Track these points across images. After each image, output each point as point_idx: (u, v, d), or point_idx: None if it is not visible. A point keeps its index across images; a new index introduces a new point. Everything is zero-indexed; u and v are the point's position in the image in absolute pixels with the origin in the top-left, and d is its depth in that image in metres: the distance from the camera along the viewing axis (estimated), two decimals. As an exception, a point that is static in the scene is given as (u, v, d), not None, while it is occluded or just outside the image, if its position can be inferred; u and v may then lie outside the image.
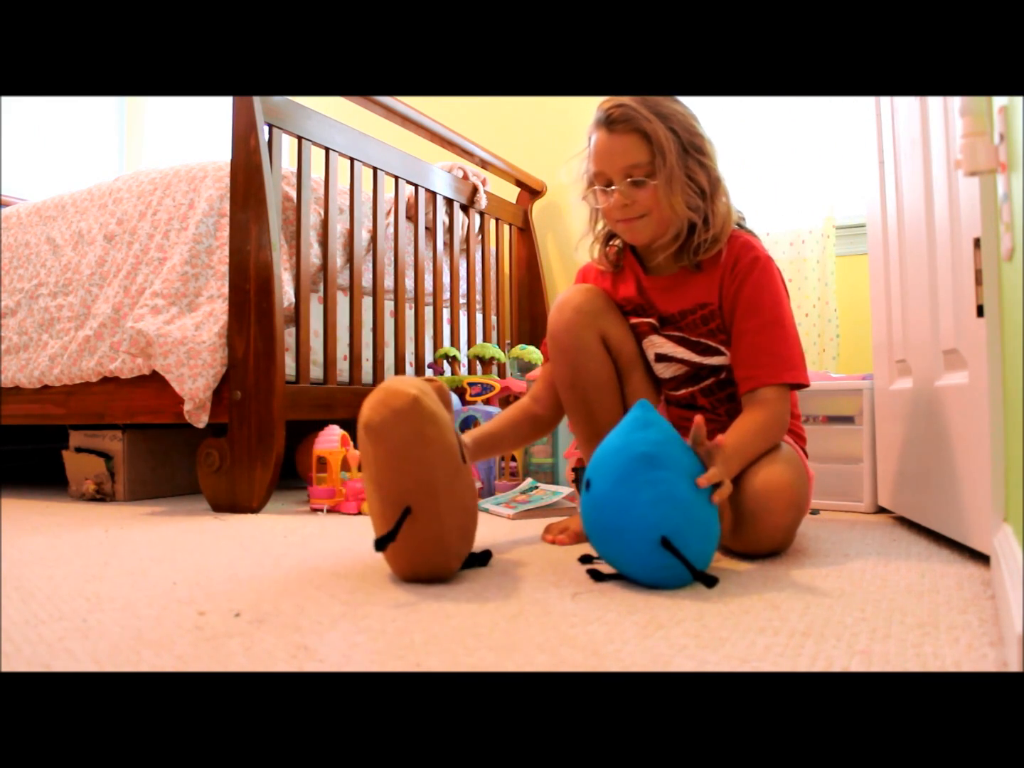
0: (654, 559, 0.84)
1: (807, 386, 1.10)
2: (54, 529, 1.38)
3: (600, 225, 1.21)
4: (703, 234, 1.10)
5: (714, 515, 0.90)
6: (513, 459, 1.79)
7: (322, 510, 1.58)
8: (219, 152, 3.00)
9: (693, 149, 1.07)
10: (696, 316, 1.14)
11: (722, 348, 1.14)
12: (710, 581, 0.83)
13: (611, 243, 1.22)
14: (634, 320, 1.20)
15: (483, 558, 1.00)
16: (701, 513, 0.87)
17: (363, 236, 1.94)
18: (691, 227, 1.11)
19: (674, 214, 1.08)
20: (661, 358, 1.19)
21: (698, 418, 0.92)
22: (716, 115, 2.34)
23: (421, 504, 0.86)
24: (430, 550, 0.88)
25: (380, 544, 0.86)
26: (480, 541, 1.05)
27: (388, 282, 2.03)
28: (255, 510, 1.57)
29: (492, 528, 1.32)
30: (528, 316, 2.68)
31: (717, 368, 1.16)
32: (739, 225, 1.18)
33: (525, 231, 2.69)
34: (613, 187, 1.09)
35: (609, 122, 1.07)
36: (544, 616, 0.75)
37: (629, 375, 1.20)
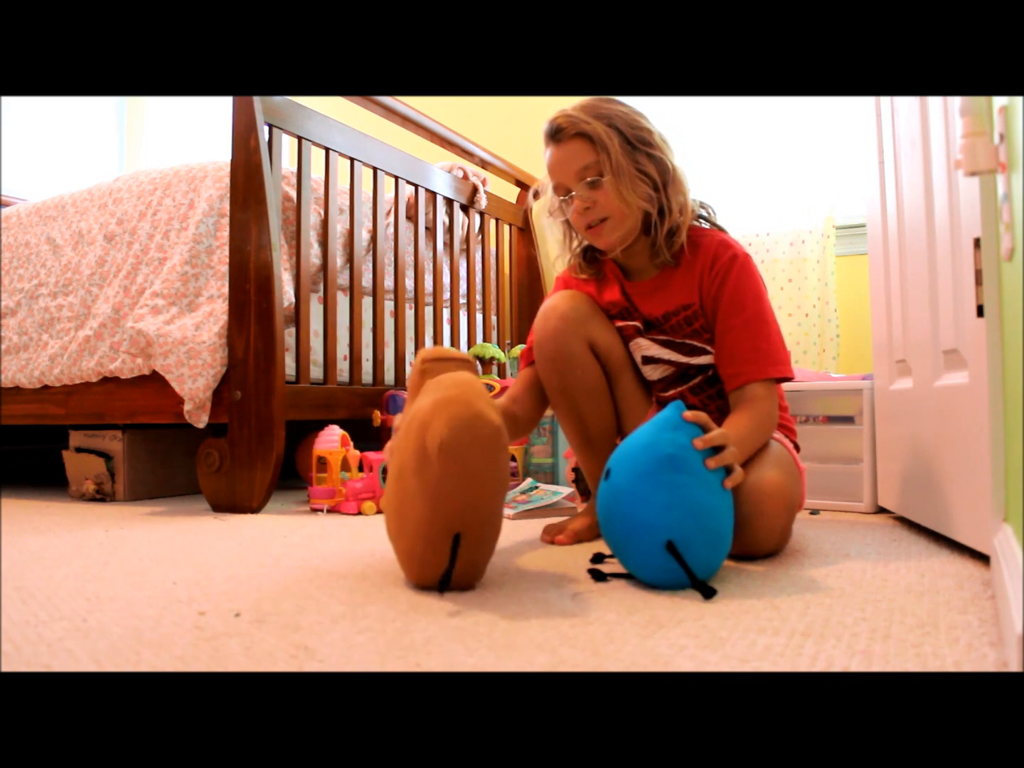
0: (658, 561, 0.84)
1: (792, 379, 1.12)
2: (54, 529, 1.38)
3: (575, 244, 1.23)
4: (662, 226, 1.12)
5: (728, 527, 0.89)
6: (513, 459, 1.79)
7: (322, 510, 1.58)
8: (219, 152, 3.00)
9: (639, 142, 1.10)
10: (680, 318, 1.15)
11: (708, 347, 1.15)
12: (708, 592, 0.82)
13: (587, 256, 1.24)
14: (619, 324, 1.21)
15: None
16: (714, 523, 0.87)
17: (363, 236, 1.94)
18: (654, 222, 1.12)
19: (628, 207, 1.09)
20: (648, 360, 1.20)
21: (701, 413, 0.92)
22: (717, 115, 2.35)
23: (471, 529, 0.82)
24: (467, 571, 0.85)
25: (444, 584, 0.81)
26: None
27: (388, 282, 2.03)
28: (255, 510, 1.57)
29: (492, 528, 1.32)
30: (528, 316, 2.67)
31: (704, 367, 1.17)
32: (710, 221, 1.20)
33: (525, 231, 2.69)
34: (572, 194, 1.11)
35: (552, 134, 1.11)
36: (544, 616, 0.75)
37: (618, 378, 1.20)
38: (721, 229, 1.19)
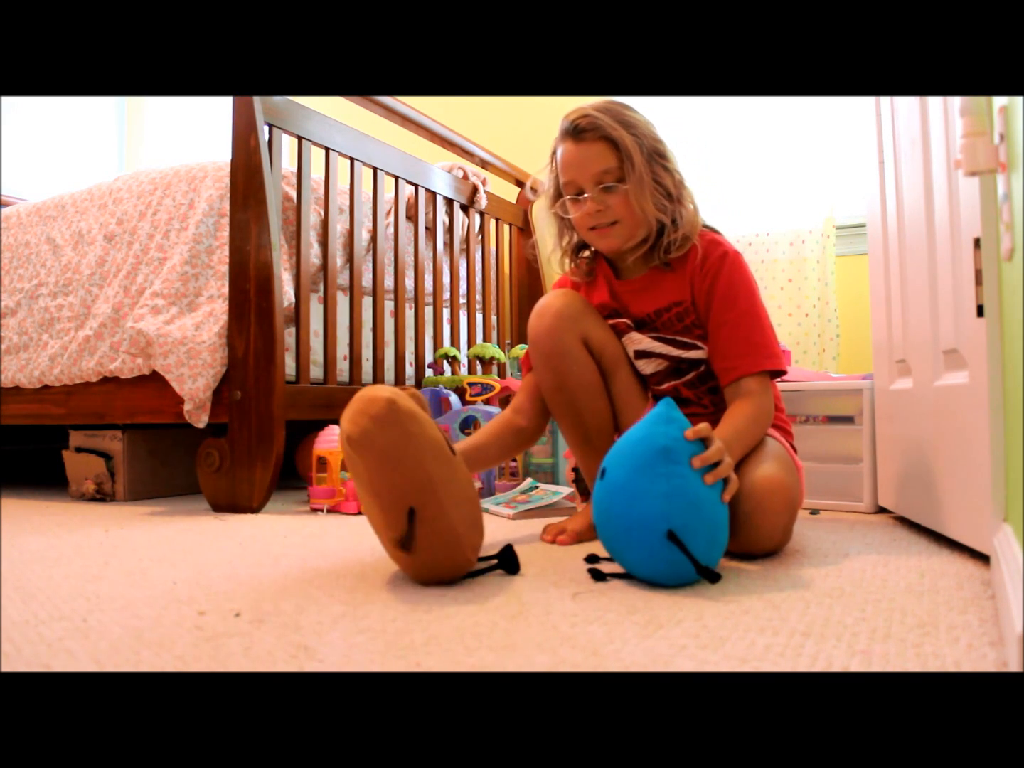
0: (660, 553, 0.84)
1: (785, 373, 1.13)
2: (54, 529, 1.38)
3: (567, 239, 1.24)
4: (672, 234, 1.13)
5: (724, 518, 0.90)
6: (513, 459, 1.79)
7: (322, 510, 1.58)
8: (219, 152, 3.00)
9: (656, 154, 1.12)
10: (671, 314, 1.17)
11: (699, 343, 1.17)
12: (713, 577, 0.83)
13: (581, 254, 1.25)
14: (611, 321, 1.22)
15: (509, 563, 0.95)
16: (712, 513, 0.87)
17: (363, 236, 1.94)
18: (661, 229, 1.15)
19: (644, 217, 1.12)
20: (641, 354, 1.21)
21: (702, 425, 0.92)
22: (716, 115, 2.34)
23: (424, 502, 0.85)
24: (445, 546, 0.87)
25: (406, 544, 0.85)
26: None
27: (388, 282, 2.03)
28: (255, 510, 1.57)
29: (492, 528, 1.32)
30: (528, 316, 2.67)
31: (696, 362, 1.18)
32: (703, 224, 1.21)
33: (525, 231, 2.69)
34: (585, 195, 1.12)
35: (576, 132, 1.11)
36: (544, 616, 0.75)
37: (614, 374, 1.21)
38: (715, 231, 1.20)
